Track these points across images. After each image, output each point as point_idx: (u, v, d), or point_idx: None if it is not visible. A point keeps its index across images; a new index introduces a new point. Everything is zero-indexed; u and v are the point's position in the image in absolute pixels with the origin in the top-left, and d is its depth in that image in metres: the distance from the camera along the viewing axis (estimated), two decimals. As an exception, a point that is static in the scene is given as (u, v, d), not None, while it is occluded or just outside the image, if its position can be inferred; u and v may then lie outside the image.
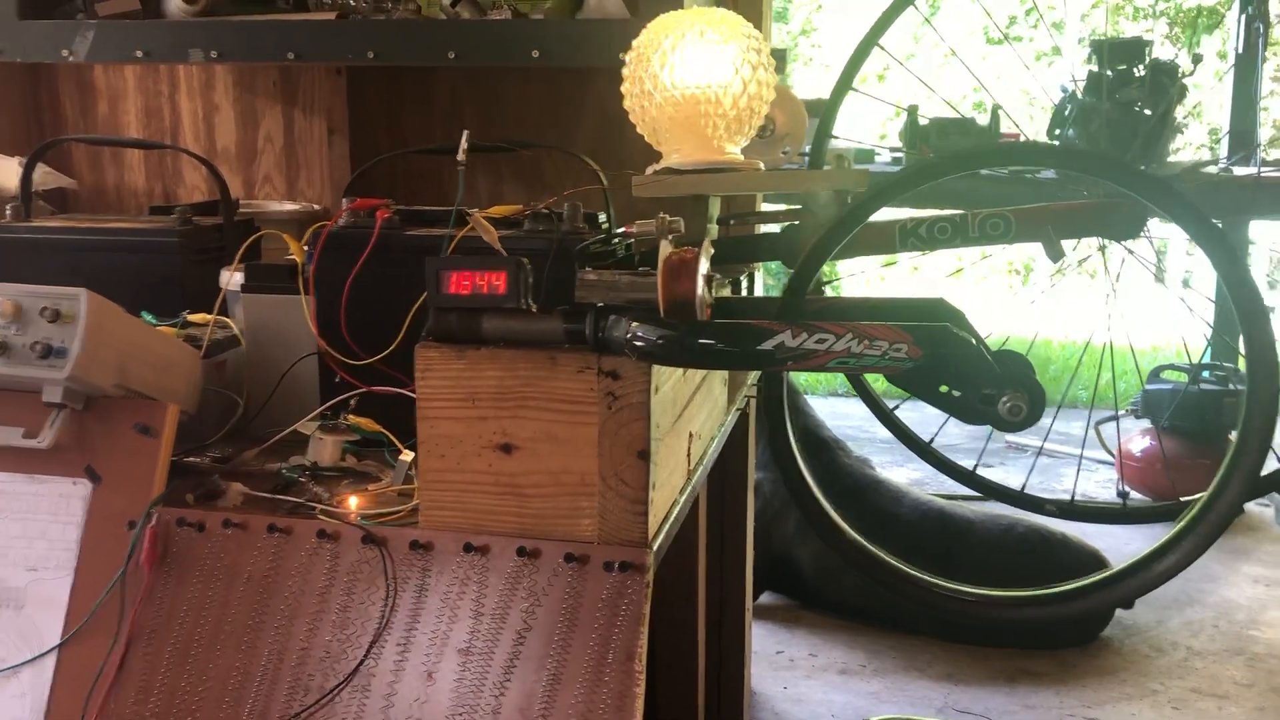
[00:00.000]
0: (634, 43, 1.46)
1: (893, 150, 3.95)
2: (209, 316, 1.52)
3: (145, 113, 2.34)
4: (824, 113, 1.63)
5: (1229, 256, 1.00)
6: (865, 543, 1.16)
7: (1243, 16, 4.28)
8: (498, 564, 1.12)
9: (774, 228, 1.60)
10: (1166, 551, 1.06)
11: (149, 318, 1.56)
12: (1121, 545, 3.50)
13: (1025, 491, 1.45)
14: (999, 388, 1.01)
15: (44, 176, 2.20)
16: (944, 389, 1.02)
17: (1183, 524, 1.08)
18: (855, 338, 0.98)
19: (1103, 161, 1.03)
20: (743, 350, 1.02)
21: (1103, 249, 1.43)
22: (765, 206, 2.31)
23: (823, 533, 1.15)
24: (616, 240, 1.37)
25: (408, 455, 1.28)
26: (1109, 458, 4.47)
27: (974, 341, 1.01)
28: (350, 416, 1.34)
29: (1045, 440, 4.49)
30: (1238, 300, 1.03)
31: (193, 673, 1.13)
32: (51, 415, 1.20)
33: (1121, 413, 4.45)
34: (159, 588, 1.17)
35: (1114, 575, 1.10)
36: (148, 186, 2.38)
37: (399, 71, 2.20)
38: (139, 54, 1.88)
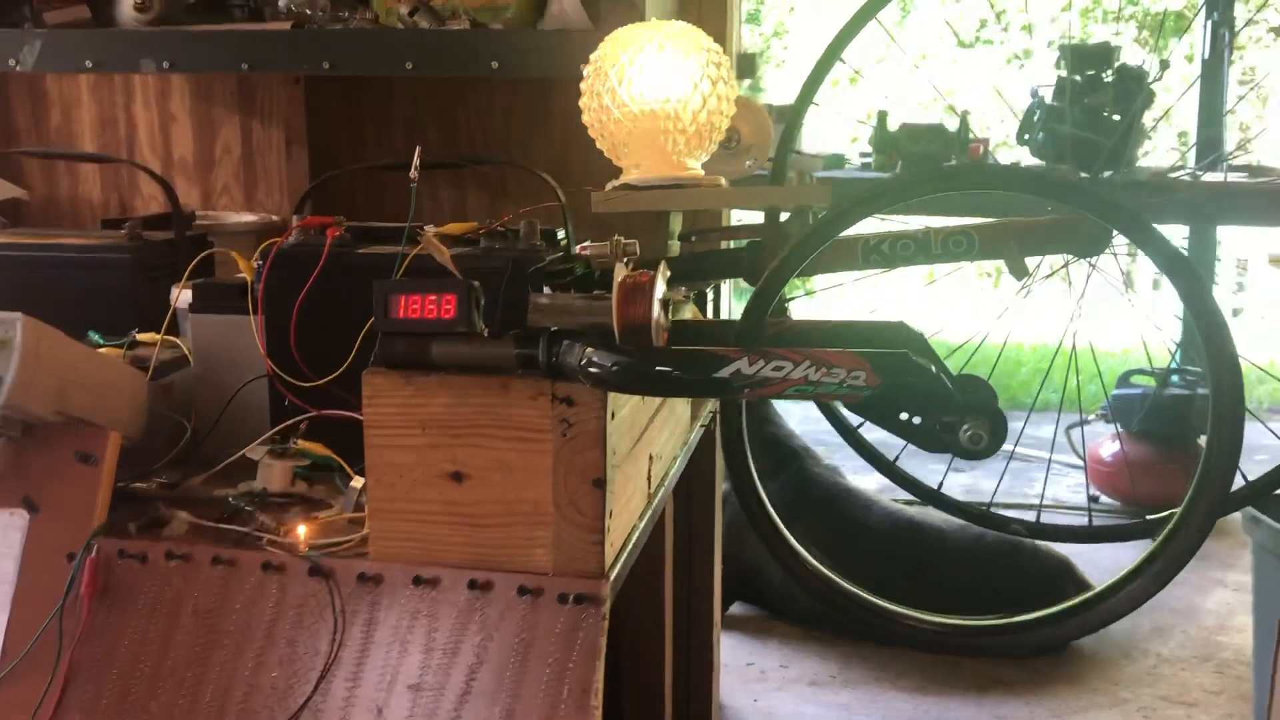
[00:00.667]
0: (591, 56, 1.44)
1: (863, 155, 3.94)
2: (158, 336, 1.48)
3: (100, 122, 2.30)
4: (785, 127, 1.61)
5: (1190, 277, 0.98)
6: (832, 574, 1.13)
7: (1209, 22, 4.29)
8: (449, 596, 1.09)
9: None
10: (1137, 575, 1.04)
11: (96, 337, 1.52)
12: (1091, 552, 3.50)
13: (991, 510, 1.43)
14: (960, 415, 0.99)
15: (-6, 188, 2.15)
16: (904, 416, 1.00)
17: (1153, 548, 1.06)
18: (813, 365, 0.95)
19: (1062, 186, 1.01)
20: (698, 378, 0.99)
21: (1066, 265, 1.41)
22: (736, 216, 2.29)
23: (786, 565, 1.12)
24: (573, 260, 1.34)
25: (359, 481, 1.25)
26: (1080, 462, 4.47)
27: (933, 369, 0.99)
28: (300, 441, 1.31)
29: (1017, 444, 4.49)
30: (1199, 316, 1.01)
31: (134, 711, 1.09)
32: (-13, 444, 1.16)
33: (1091, 417, 4.46)
34: (99, 622, 1.13)
35: (1085, 601, 1.08)
36: (103, 197, 2.34)
37: (358, 81, 2.16)
38: (89, 64, 1.83)
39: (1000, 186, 1.06)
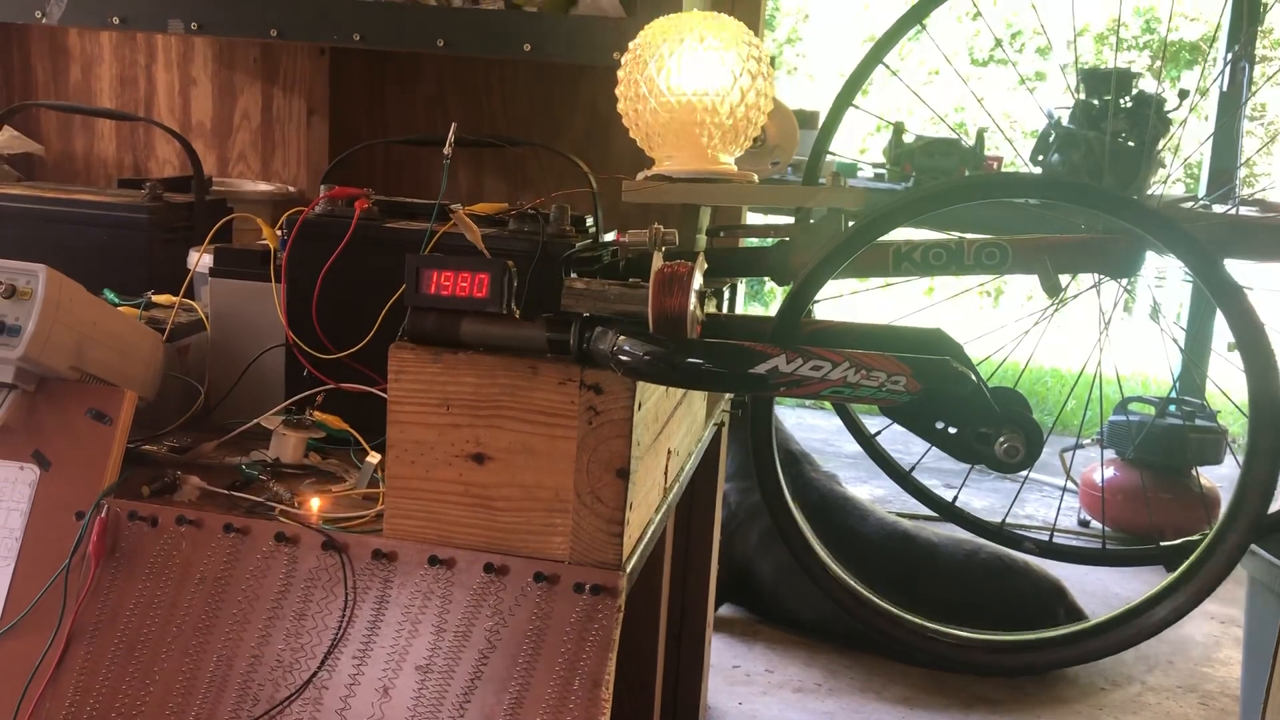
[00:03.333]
0: (631, 44, 1.42)
1: (875, 166, 3.94)
2: (174, 298, 1.47)
3: (119, 81, 2.27)
4: (823, 128, 1.59)
5: (1242, 305, 0.97)
6: (858, 585, 1.12)
7: (1229, 54, 4.30)
8: (463, 579, 1.07)
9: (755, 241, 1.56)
10: (1167, 596, 1.03)
11: (111, 296, 1.50)
12: (1082, 575, 3.50)
13: (1004, 527, 1.42)
14: (997, 427, 0.97)
15: (10, 140, 2.13)
16: (939, 425, 0.98)
17: (1183, 569, 1.04)
18: (852, 367, 0.94)
19: (1146, 212, 0.99)
20: (733, 373, 0.98)
21: (1097, 285, 1.40)
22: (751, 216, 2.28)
23: (812, 575, 1.10)
24: (602, 248, 1.33)
25: (374, 457, 1.23)
26: (1071, 485, 4.47)
27: (974, 378, 0.97)
28: (316, 413, 1.29)
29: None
30: (1244, 344, 1.00)
31: (135, 675, 1.07)
32: (0, 396, 1.14)
33: (1086, 441, 4.46)
34: (105, 583, 1.11)
35: (1108, 621, 1.06)
36: (118, 157, 2.31)
37: (384, 55, 2.14)
38: (115, 20, 1.81)
39: (1075, 200, 1.05)
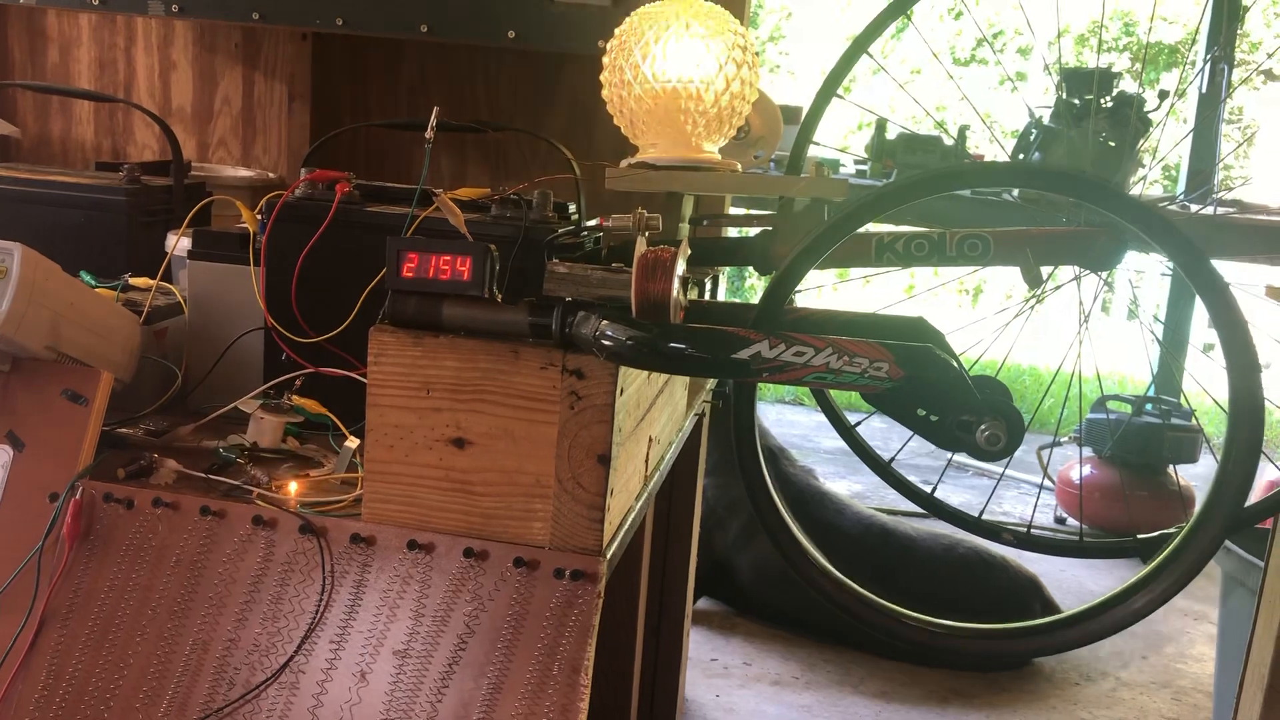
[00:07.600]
0: (616, 30, 1.42)
1: (857, 162, 3.95)
2: (151, 281, 1.45)
3: (98, 64, 2.25)
4: (806, 118, 1.59)
5: (1224, 299, 0.97)
6: (838, 573, 1.12)
7: (1209, 56, 4.33)
8: (442, 564, 1.06)
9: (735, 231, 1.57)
10: (1143, 587, 1.03)
11: (88, 278, 1.49)
12: (1058, 571, 3.52)
13: (982, 518, 1.42)
14: (978, 415, 0.97)
15: (-15, 122, 2.11)
16: (921, 412, 0.98)
17: (1159, 560, 1.05)
18: (835, 353, 0.94)
19: (1132, 205, 0.99)
20: (716, 358, 0.97)
21: (1078, 278, 1.41)
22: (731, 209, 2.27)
23: (792, 561, 1.10)
24: (585, 233, 1.32)
25: (353, 442, 1.23)
26: (1047, 483, 4.50)
27: (956, 365, 0.98)
28: (294, 397, 1.28)
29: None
30: (1225, 336, 1.00)
31: (110, 659, 1.06)
32: (-25, 375, 1.13)
33: (1064, 439, 4.48)
34: (79, 566, 1.10)
35: (1083, 612, 1.07)
36: (96, 141, 2.29)
37: (366, 41, 2.13)
38: (95, 2, 1.79)
39: (1062, 190, 1.05)
